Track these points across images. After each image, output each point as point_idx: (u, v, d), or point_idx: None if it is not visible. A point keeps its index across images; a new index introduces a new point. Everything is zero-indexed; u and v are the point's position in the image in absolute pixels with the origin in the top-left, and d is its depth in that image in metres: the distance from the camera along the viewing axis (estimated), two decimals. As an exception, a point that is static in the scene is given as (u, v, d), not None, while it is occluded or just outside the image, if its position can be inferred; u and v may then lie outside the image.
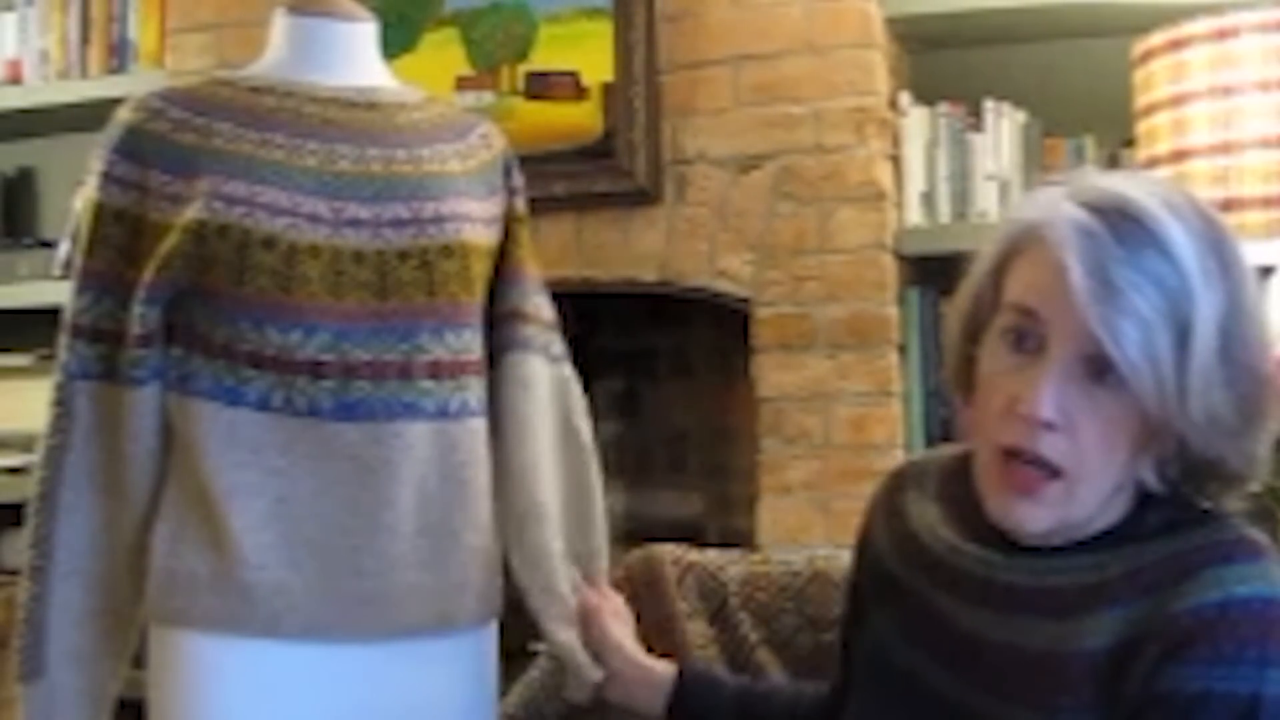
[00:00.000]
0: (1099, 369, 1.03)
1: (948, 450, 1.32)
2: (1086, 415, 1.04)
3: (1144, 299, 1.00)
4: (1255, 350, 1.06)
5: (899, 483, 1.30)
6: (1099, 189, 1.06)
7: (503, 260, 1.53)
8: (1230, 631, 1.00)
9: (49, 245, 3.20)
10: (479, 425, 1.46)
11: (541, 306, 1.56)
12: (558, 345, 1.56)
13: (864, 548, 1.31)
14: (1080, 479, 1.06)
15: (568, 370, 1.56)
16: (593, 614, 1.36)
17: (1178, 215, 1.04)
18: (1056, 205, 1.07)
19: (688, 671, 1.35)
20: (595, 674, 1.38)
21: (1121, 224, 1.03)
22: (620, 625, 1.38)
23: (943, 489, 1.25)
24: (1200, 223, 1.05)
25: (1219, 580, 1.02)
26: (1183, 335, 1.01)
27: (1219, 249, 1.05)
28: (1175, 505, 1.10)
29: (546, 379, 1.53)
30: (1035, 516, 1.07)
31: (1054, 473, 1.05)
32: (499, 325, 1.52)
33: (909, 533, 1.24)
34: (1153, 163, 1.97)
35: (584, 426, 1.55)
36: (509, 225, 1.54)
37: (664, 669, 1.34)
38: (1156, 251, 1.02)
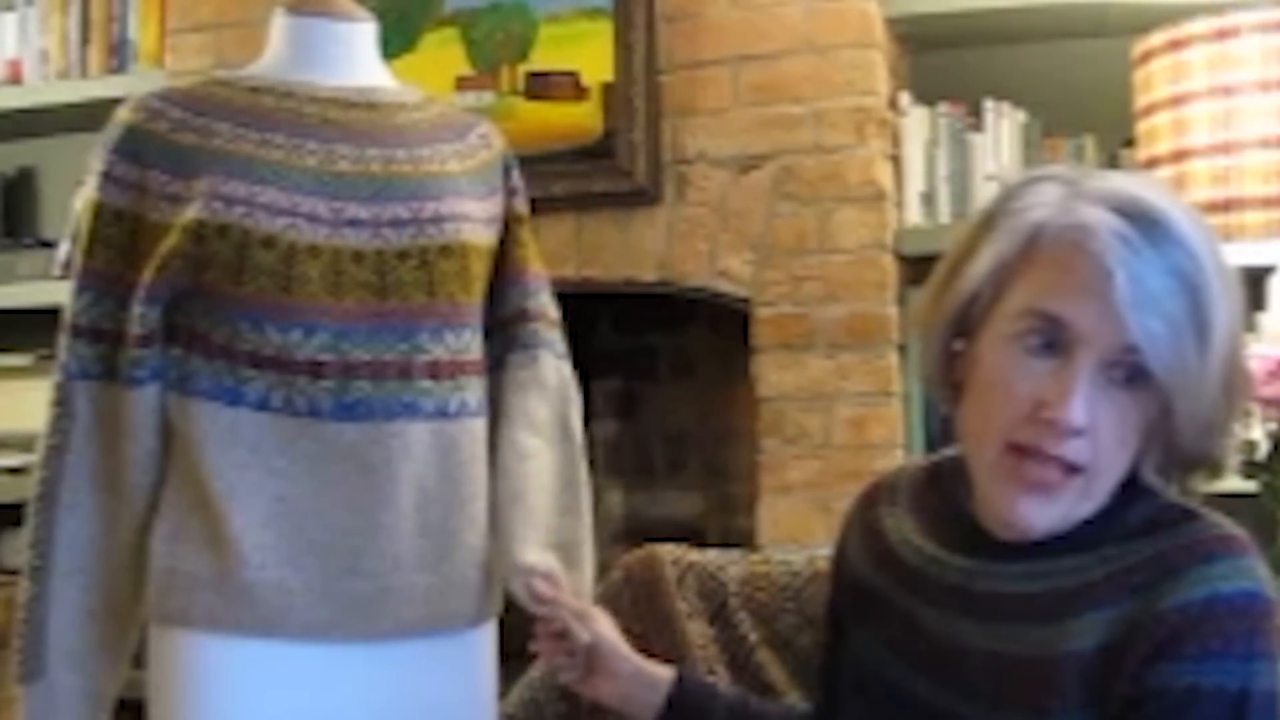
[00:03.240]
0: (1127, 373, 1.04)
1: (914, 463, 1.33)
2: (1108, 417, 1.05)
3: (1176, 303, 1.01)
4: (1243, 350, 1.08)
5: (870, 500, 1.30)
6: (1115, 192, 1.06)
7: (505, 260, 1.53)
8: (1217, 627, 1.01)
9: (49, 245, 3.20)
10: (478, 425, 1.46)
11: (547, 305, 1.56)
12: (561, 344, 1.57)
13: (840, 569, 1.30)
14: (1096, 476, 1.06)
15: (568, 369, 1.57)
16: (593, 615, 1.35)
17: (1190, 218, 1.05)
18: (1074, 208, 1.06)
19: (685, 676, 1.35)
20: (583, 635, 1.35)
21: (1152, 229, 1.02)
22: (615, 630, 1.37)
23: (915, 500, 1.25)
24: (1204, 225, 1.06)
25: (1204, 578, 1.03)
26: (1203, 338, 1.02)
27: (1221, 250, 1.06)
28: (1155, 502, 1.10)
29: (554, 375, 1.54)
30: (1046, 514, 1.07)
31: (1071, 469, 1.06)
32: (506, 325, 1.52)
33: (886, 547, 1.23)
34: (1153, 163, 1.97)
35: (578, 425, 1.55)
36: (509, 225, 1.54)
37: (662, 672, 1.34)
38: (1184, 255, 1.02)
